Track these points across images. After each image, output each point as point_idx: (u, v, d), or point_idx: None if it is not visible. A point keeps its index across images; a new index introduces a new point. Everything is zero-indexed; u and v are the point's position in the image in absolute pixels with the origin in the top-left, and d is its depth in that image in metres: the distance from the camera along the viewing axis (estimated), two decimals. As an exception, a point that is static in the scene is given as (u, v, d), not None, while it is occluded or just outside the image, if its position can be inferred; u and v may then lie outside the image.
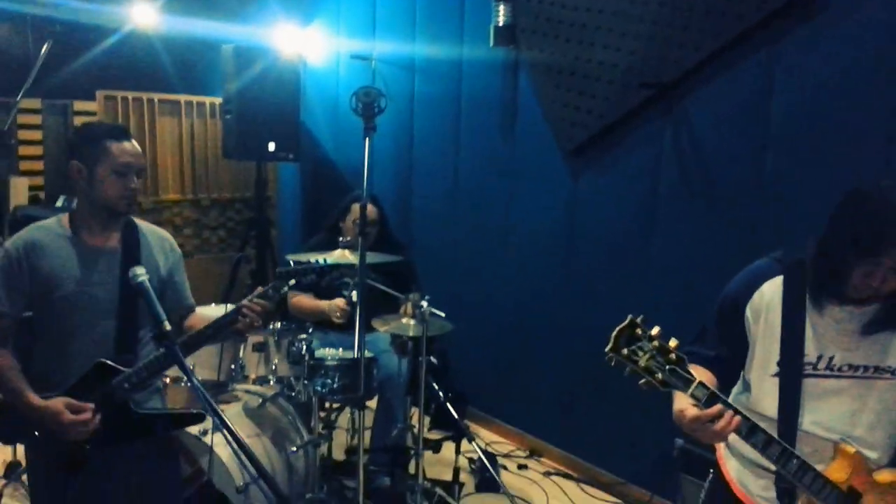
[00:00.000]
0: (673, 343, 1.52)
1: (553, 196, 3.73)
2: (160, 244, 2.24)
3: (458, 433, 3.34)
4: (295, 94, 4.89)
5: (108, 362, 2.04)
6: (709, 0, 2.91)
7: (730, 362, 1.77)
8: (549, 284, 3.79)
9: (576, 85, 3.47)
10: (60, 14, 4.55)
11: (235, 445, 1.67)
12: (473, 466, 3.61)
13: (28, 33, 4.54)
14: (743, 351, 1.75)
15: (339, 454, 3.54)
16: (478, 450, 3.33)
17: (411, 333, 3.01)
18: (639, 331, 1.51)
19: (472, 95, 4.14)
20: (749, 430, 1.58)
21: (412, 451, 3.23)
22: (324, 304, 3.35)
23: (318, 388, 2.82)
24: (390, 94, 4.21)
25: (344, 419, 3.69)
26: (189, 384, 1.95)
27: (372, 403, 3.27)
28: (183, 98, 5.26)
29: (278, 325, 3.10)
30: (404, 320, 3.10)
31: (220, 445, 2.55)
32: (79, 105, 4.87)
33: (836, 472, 1.64)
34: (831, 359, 1.65)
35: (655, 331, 1.52)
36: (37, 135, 4.74)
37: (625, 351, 1.50)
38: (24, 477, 3.15)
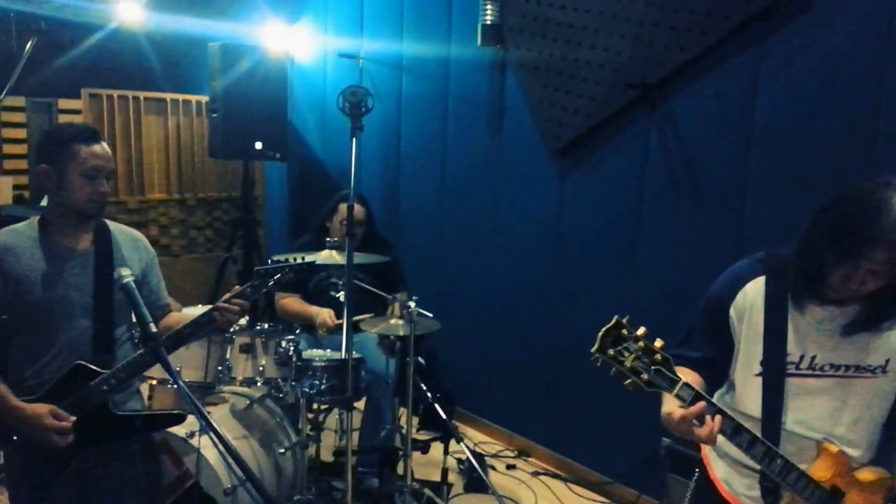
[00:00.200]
0: (658, 344, 1.53)
1: (540, 195, 3.73)
2: (133, 244, 2.23)
3: (447, 434, 3.33)
4: (282, 93, 4.83)
5: (87, 364, 2.03)
6: (695, 1, 2.93)
7: (715, 364, 1.78)
8: (536, 284, 3.80)
9: (563, 84, 3.48)
10: (45, 11, 4.51)
11: (222, 447, 1.66)
12: (462, 467, 3.61)
13: (12, 30, 4.49)
14: (728, 352, 1.76)
15: (327, 455, 3.53)
16: (466, 450, 3.33)
17: (399, 333, 3.01)
18: (625, 331, 1.52)
19: (459, 94, 4.13)
20: (733, 430, 1.59)
21: (400, 452, 3.23)
22: (313, 310, 3.34)
23: (306, 390, 2.81)
24: (378, 92, 4.21)
25: (332, 420, 3.67)
26: (175, 386, 1.93)
27: (360, 404, 3.26)
28: (169, 96, 5.21)
29: (266, 326, 3.09)
30: (392, 320, 3.10)
31: (207, 447, 2.54)
32: (63, 103, 4.83)
33: (820, 470, 1.66)
34: (813, 358, 1.66)
35: (641, 331, 1.53)
36: (21, 133, 4.70)
37: (611, 351, 1.51)
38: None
